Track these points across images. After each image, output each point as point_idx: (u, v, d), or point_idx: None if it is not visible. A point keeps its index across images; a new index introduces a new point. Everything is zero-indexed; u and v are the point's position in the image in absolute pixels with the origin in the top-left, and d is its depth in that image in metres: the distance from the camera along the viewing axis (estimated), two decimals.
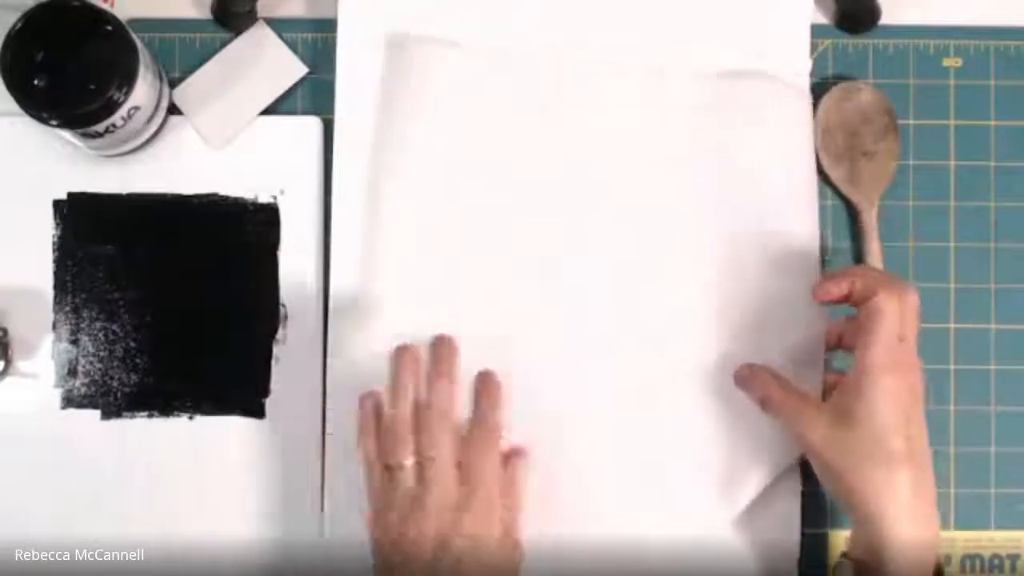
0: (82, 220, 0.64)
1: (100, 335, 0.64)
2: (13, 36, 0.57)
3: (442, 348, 0.59)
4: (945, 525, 0.64)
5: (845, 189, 0.65)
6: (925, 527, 0.55)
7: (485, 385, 0.59)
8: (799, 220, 0.63)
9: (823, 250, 0.65)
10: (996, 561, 0.65)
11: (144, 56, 0.59)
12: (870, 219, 0.64)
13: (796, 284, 0.62)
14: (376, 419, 0.58)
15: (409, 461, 0.56)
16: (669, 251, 0.63)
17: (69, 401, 0.64)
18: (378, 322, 0.63)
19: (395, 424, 0.57)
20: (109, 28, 0.58)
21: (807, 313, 0.61)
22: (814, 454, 0.57)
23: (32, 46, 0.57)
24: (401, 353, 0.59)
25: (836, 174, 0.65)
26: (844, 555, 0.57)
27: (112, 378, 0.64)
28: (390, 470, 0.56)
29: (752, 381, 0.60)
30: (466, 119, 0.63)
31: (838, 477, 0.56)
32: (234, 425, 0.63)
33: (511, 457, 0.59)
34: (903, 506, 0.54)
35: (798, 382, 0.60)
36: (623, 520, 0.62)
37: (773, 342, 0.62)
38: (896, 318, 0.55)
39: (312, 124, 0.65)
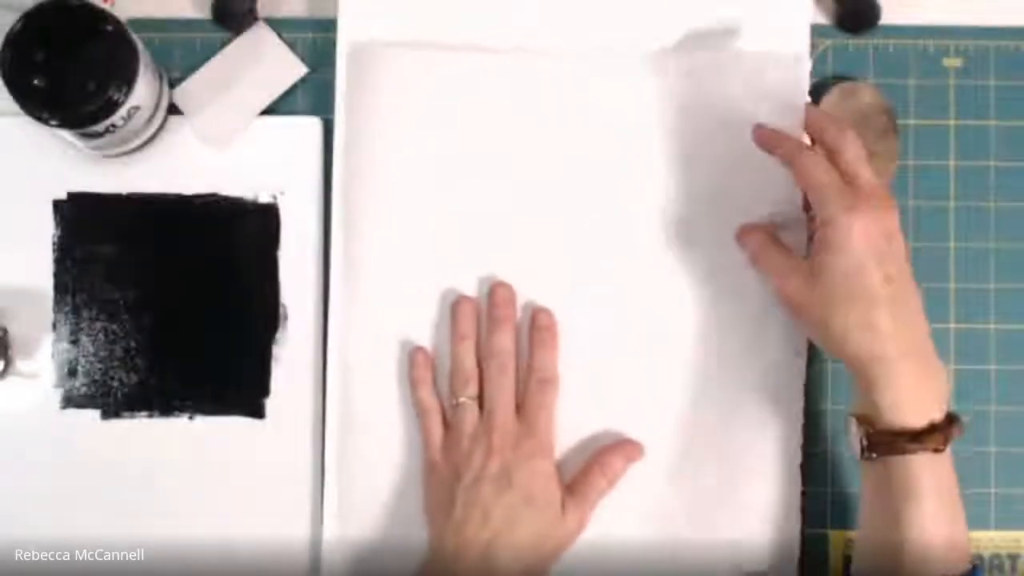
0: (82, 220, 0.64)
1: (100, 335, 0.64)
2: (13, 36, 0.57)
3: (500, 295, 0.62)
4: None
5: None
6: (921, 365, 0.55)
7: (541, 331, 0.62)
8: (789, 211, 0.63)
9: None
10: (996, 561, 0.65)
11: (144, 56, 0.59)
12: None
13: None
14: (427, 370, 0.62)
15: (472, 401, 0.60)
16: (662, 248, 0.63)
17: (69, 401, 0.64)
18: (378, 321, 0.63)
19: (460, 368, 0.61)
20: (109, 28, 0.58)
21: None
22: (796, 308, 0.57)
23: (32, 46, 0.57)
24: (461, 302, 0.62)
25: None
26: (851, 415, 0.57)
27: (112, 378, 0.64)
28: (454, 409, 0.61)
29: (746, 237, 0.61)
30: (464, 119, 0.63)
31: (823, 326, 0.56)
32: (234, 425, 0.63)
33: None
34: (891, 342, 0.54)
35: (786, 376, 0.61)
36: (621, 519, 0.62)
37: (761, 339, 0.62)
38: (819, 166, 0.56)
39: (312, 124, 0.65)
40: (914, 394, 0.54)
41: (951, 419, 0.55)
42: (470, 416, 0.60)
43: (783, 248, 0.60)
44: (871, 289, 0.54)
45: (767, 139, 0.60)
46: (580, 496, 0.60)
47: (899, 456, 0.54)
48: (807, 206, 0.61)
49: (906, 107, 0.66)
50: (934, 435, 0.54)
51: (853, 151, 0.57)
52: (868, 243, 0.54)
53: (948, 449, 0.54)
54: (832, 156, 0.57)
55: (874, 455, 0.55)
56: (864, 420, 0.55)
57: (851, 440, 0.57)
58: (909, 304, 0.55)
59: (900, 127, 0.65)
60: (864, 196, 0.55)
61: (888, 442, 0.54)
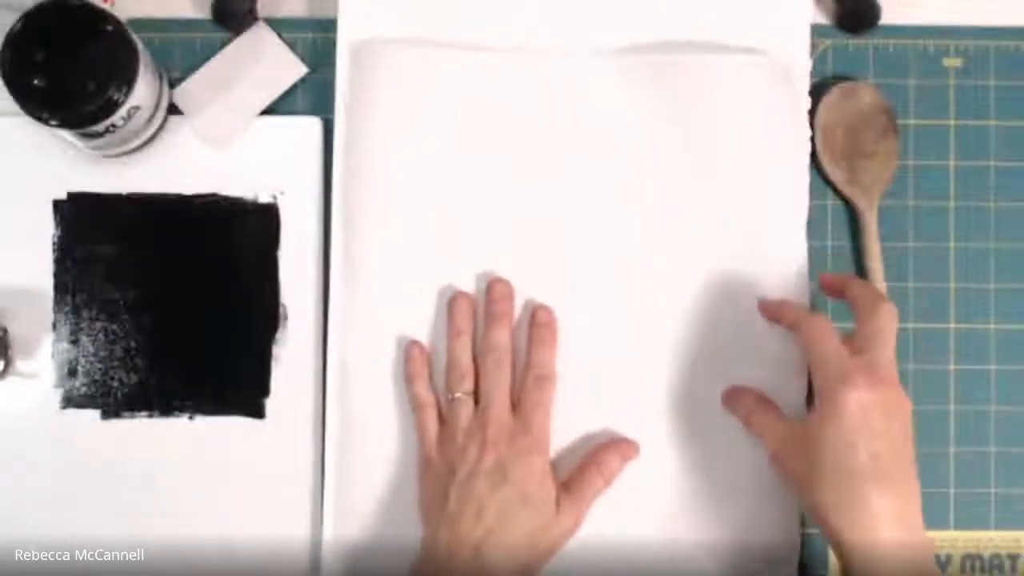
0: (82, 220, 0.64)
1: (100, 335, 0.64)
2: (13, 36, 0.57)
3: (498, 291, 0.62)
4: (945, 525, 0.64)
5: (845, 189, 0.65)
6: (896, 550, 0.53)
7: (540, 328, 0.62)
8: (789, 212, 0.64)
9: (823, 250, 0.65)
10: (996, 561, 0.65)
11: (144, 56, 0.59)
12: (870, 219, 0.64)
13: (783, 284, 0.63)
14: (423, 365, 0.62)
15: (468, 397, 0.60)
16: (661, 247, 0.63)
17: (69, 401, 0.64)
18: (377, 321, 0.63)
19: (455, 363, 0.61)
20: (109, 28, 0.58)
21: (787, 298, 0.63)
22: (787, 473, 0.57)
23: (32, 46, 0.57)
24: (458, 298, 0.62)
25: (836, 175, 0.65)
26: None
27: (112, 378, 0.64)
28: (450, 404, 0.61)
29: (736, 400, 0.61)
30: (464, 118, 0.63)
31: (802, 492, 0.55)
32: (234, 425, 0.63)
33: None
34: (868, 527, 0.52)
35: (783, 378, 0.61)
36: (618, 519, 0.62)
37: (758, 339, 0.62)
38: (825, 334, 0.56)
39: (312, 124, 0.65)
40: (882, 560, 0.52)
41: None
42: (465, 411, 0.60)
43: (774, 409, 0.60)
44: (857, 468, 0.53)
45: (771, 310, 0.61)
46: (576, 494, 0.60)
47: None
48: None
49: (906, 107, 0.66)
50: None
51: (874, 326, 0.56)
52: (863, 420, 0.53)
53: None
54: (856, 322, 0.57)
55: None
56: None
57: None
58: (896, 482, 0.53)
59: (900, 127, 0.65)
60: (866, 371, 0.54)
61: None
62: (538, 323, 0.62)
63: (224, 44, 0.65)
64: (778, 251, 0.63)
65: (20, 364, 0.64)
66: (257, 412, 0.63)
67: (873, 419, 0.53)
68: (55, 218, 0.64)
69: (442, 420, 0.62)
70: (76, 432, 0.63)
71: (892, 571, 0.52)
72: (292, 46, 0.65)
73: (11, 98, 0.57)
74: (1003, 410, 0.65)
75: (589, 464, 0.61)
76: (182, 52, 0.65)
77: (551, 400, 0.61)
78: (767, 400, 0.60)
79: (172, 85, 0.64)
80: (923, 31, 0.66)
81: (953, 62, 0.66)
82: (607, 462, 0.61)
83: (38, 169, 0.64)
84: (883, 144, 0.65)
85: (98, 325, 0.64)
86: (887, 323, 0.56)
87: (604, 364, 0.63)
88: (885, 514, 0.52)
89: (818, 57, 0.66)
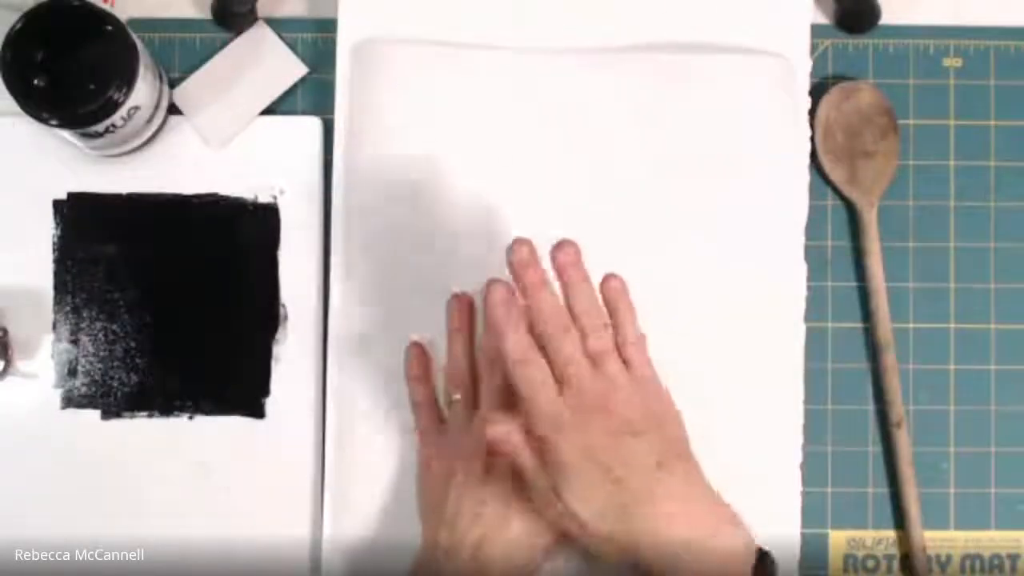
0: (82, 220, 0.64)
1: (100, 335, 0.64)
2: (13, 36, 0.57)
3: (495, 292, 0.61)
4: (945, 525, 0.64)
5: (845, 189, 0.65)
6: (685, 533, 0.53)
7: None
8: (788, 212, 0.64)
9: (823, 251, 0.65)
10: (996, 561, 0.65)
11: (144, 56, 0.59)
12: (870, 219, 0.64)
13: (781, 284, 0.63)
14: (423, 364, 0.62)
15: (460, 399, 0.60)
16: (661, 247, 0.63)
17: (69, 401, 0.64)
18: (377, 321, 0.63)
19: (454, 364, 0.61)
20: (109, 28, 0.58)
21: (785, 298, 0.63)
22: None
23: (32, 46, 0.57)
24: (456, 299, 0.62)
25: (836, 174, 0.65)
26: None
27: (112, 378, 0.64)
28: (449, 406, 0.61)
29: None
30: (463, 118, 0.63)
31: (591, 540, 0.54)
32: (234, 425, 0.63)
33: None
34: (655, 541, 0.52)
35: (777, 368, 0.62)
36: None
37: (757, 339, 0.62)
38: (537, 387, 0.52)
39: (312, 124, 0.65)
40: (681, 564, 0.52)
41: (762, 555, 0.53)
42: (464, 413, 0.60)
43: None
44: (611, 500, 0.52)
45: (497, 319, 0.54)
46: None
47: None
48: None
49: (906, 107, 0.66)
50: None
51: (568, 350, 0.53)
52: (589, 458, 0.52)
53: None
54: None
55: None
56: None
57: None
58: (661, 488, 0.53)
59: (900, 127, 0.65)
60: (573, 405, 0.52)
61: None
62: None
63: (224, 44, 0.65)
64: (777, 251, 0.63)
65: (20, 364, 0.64)
66: (257, 412, 0.63)
67: (599, 454, 0.52)
68: (55, 218, 0.64)
69: (442, 420, 0.62)
70: (76, 432, 0.63)
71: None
72: (292, 46, 0.65)
73: (11, 98, 0.57)
74: (1003, 410, 0.65)
75: None
76: (182, 52, 0.65)
77: None
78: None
79: (172, 85, 0.64)
80: (923, 31, 0.66)
81: (953, 62, 0.66)
82: None
83: (38, 169, 0.64)
84: (883, 144, 0.65)
85: (98, 325, 0.64)
86: (573, 340, 0.53)
87: None
88: (663, 527, 0.52)
89: (818, 57, 0.66)
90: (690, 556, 0.52)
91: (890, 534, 0.65)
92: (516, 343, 0.52)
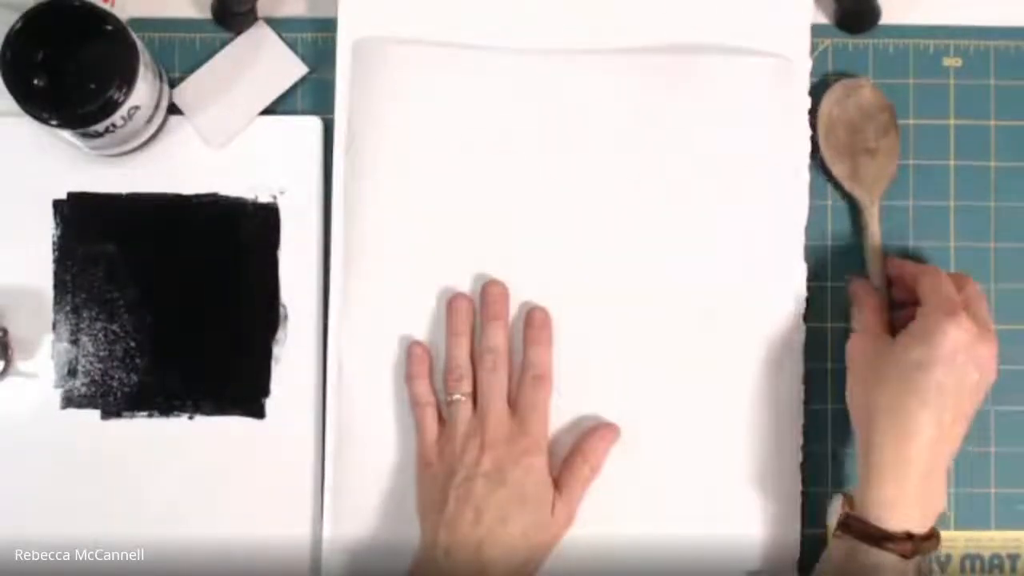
0: (82, 220, 0.64)
1: (100, 335, 0.64)
2: (13, 36, 0.57)
3: (493, 293, 0.62)
4: (945, 525, 0.64)
5: (847, 185, 0.65)
6: (927, 481, 0.56)
7: (535, 329, 0.62)
8: (788, 212, 0.64)
9: (823, 250, 0.65)
10: (996, 561, 0.65)
11: (144, 56, 0.59)
12: (872, 216, 0.64)
13: (781, 284, 0.63)
14: (424, 365, 0.62)
15: (466, 398, 0.61)
16: (660, 247, 0.63)
17: (69, 401, 0.64)
18: (377, 321, 0.63)
19: (454, 365, 0.61)
20: (109, 28, 0.58)
21: (785, 297, 0.63)
22: (854, 368, 0.60)
23: (32, 46, 0.57)
24: (456, 299, 0.62)
25: (839, 170, 0.65)
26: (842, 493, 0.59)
27: (112, 378, 0.64)
28: (449, 406, 0.61)
29: (858, 289, 0.63)
30: (463, 117, 0.63)
31: (856, 388, 0.59)
32: (234, 425, 0.63)
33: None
34: (912, 447, 0.55)
35: (777, 368, 0.62)
36: (618, 518, 0.62)
37: (756, 339, 0.62)
38: (944, 284, 0.58)
39: (312, 124, 0.65)
40: (906, 503, 0.55)
41: (930, 535, 0.56)
42: (463, 413, 0.60)
43: (883, 313, 0.61)
44: (928, 392, 0.55)
45: (898, 267, 0.63)
46: (566, 489, 0.60)
47: (866, 546, 0.55)
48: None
49: (906, 107, 0.66)
50: (906, 544, 0.55)
51: (973, 292, 0.59)
52: (952, 353, 0.56)
53: (915, 559, 0.55)
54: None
55: (845, 535, 0.56)
56: (850, 501, 0.57)
57: (830, 513, 0.59)
58: (949, 425, 0.56)
59: (900, 126, 0.65)
60: (974, 319, 0.57)
61: (860, 530, 0.55)
62: (533, 324, 0.62)
63: (224, 44, 0.65)
64: (777, 251, 0.63)
65: (20, 364, 0.64)
66: (257, 412, 0.63)
67: (959, 358, 0.55)
68: (55, 218, 0.64)
69: (442, 421, 0.62)
70: (76, 432, 0.63)
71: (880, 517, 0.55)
72: (292, 46, 0.65)
73: (11, 98, 0.57)
74: (1003, 410, 0.65)
75: (574, 457, 0.61)
76: (182, 52, 0.65)
77: (548, 400, 0.61)
78: (881, 300, 0.62)
79: (172, 85, 0.64)
80: (923, 31, 0.66)
81: (953, 62, 0.66)
82: (591, 451, 0.61)
83: (38, 169, 0.64)
84: (884, 141, 0.65)
85: (98, 325, 0.64)
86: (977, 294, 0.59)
87: (602, 363, 0.63)
88: (919, 444, 0.55)
89: (818, 57, 0.66)
90: None
91: None
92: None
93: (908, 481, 0.55)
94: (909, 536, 0.55)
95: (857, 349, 0.60)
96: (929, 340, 0.56)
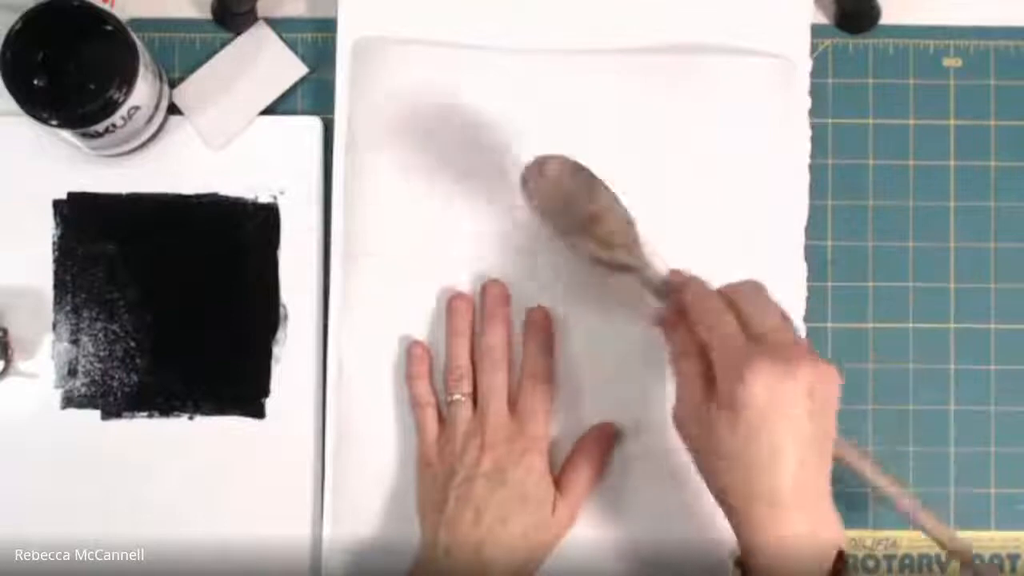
0: (82, 220, 0.64)
1: (100, 335, 0.64)
2: (13, 36, 0.57)
3: (493, 292, 0.62)
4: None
5: (607, 257, 0.57)
6: (809, 521, 0.50)
7: (535, 329, 0.62)
8: (788, 212, 0.64)
9: (823, 250, 0.65)
10: (996, 561, 0.65)
11: (144, 56, 0.59)
12: (644, 266, 0.57)
13: (781, 285, 0.62)
14: (425, 365, 0.62)
15: (466, 398, 0.60)
16: (660, 247, 0.63)
17: (69, 401, 0.64)
18: (377, 321, 0.63)
19: (454, 365, 0.61)
20: (109, 28, 0.58)
21: (785, 297, 0.62)
22: (680, 428, 0.53)
23: (32, 46, 0.57)
24: (456, 299, 0.62)
25: (586, 248, 0.57)
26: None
27: (112, 378, 0.64)
28: (449, 406, 0.61)
29: (671, 329, 0.55)
30: (463, 117, 0.63)
31: (698, 463, 0.53)
32: (234, 425, 0.63)
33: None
34: (775, 500, 0.49)
35: None
36: (618, 518, 0.62)
37: None
38: (721, 318, 0.51)
39: (312, 124, 0.65)
40: (794, 557, 0.50)
41: (834, 572, 0.50)
42: (464, 413, 0.60)
43: (703, 362, 0.52)
44: (765, 465, 0.49)
45: (677, 276, 0.56)
46: (568, 490, 0.60)
47: None
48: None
49: (906, 107, 0.66)
50: None
51: (748, 302, 0.52)
52: (768, 412, 0.49)
53: None
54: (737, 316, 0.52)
55: None
56: (738, 563, 0.52)
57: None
58: (810, 466, 0.50)
59: (900, 126, 0.65)
60: (771, 351, 0.49)
61: None
62: (534, 323, 0.62)
63: (224, 44, 0.65)
64: (777, 251, 0.63)
65: (20, 364, 0.64)
66: (257, 412, 0.63)
67: (777, 412, 0.49)
68: (55, 218, 0.64)
69: (442, 421, 0.62)
70: (76, 432, 0.63)
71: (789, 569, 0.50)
72: (292, 46, 0.65)
73: (11, 98, 0.57)
74: (1003, 410, 0.65)
75: (576, 457, 0.61)
76: (182, 52, 0.65)
77: (548, 400, 0.61)
78: (703, 367, 0.52)
79: (172, 85, 0.64)
80: (923, 31, 0.66)
81: (953, 62, 0.66)
82: (593, 451, 0.61)
83: (38, 169, 0.64)
84: (602, 200, 0.57)
85: (98, 325, 0.64)
86: (761, 295, 0.52)
87: (603, 363, 0.63)
88: (783, 507, 0.49)
89: (818, 57, 0.66)
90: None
91: (890, 534, 0.65)
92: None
93: (784, 535, 0.50)
94: None
95: (683, 432, 0.53)
96: (738, 411, 0.49)
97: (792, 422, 0.49)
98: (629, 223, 0.57)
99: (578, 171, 0.57)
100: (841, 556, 0.50)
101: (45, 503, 0.63)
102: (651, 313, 0.57)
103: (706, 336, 0.51)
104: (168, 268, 0.64)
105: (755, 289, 0.53)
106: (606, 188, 0.57)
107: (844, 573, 0.50)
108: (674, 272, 0.56)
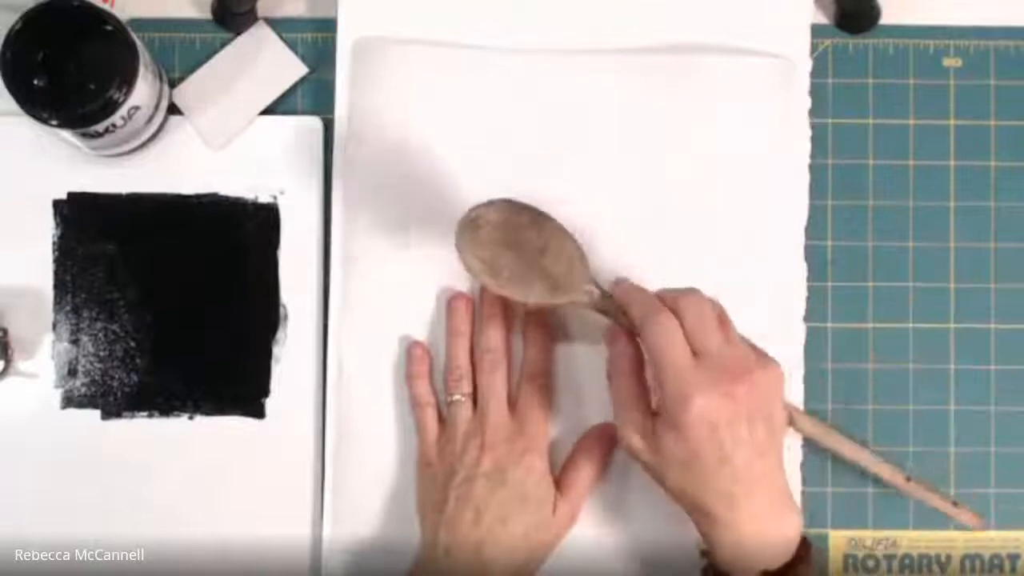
0: (82, 220, 0.64)
1: (100, 335, 0.64)
2: (13, 36, 0.57)
3: (492, 292, 0.61)
4: (945, 525, 0.64)
5: (567, 298, 0.57)
6: (761, 524, 0.53)
7: (534, 329, 0.62)
8: (788, 212, 0.64)
9: (823, 250, 0.65)
10: (996, 561, 0.65)
11: (144, 56, 0.59)
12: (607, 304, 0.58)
13: (781, 284, 0.63)
14: (424, 365, 0.62)
15: (466, 398, 0.61)
16: (659, 248, 0.63)
17: (69, 401, 0.64)
18: (377, 321, 0.63)
19: (453, 365, 0.61)
20: (109, 28, 0.58)
21: (785, 297, 0.63)
22: (633, 456, 0.55)
23: (32, 46, 0.57)
24: (456, 299, 0.62)
25: (540, 293, 0.57)
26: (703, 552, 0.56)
27: (112, 378, 0.64)
28: (449, 406, 0.61)
29: (614, 346, 0.57)
30: (463, 117, 0.63)
31: (660, 480, 0.55)
32: (234, 425, 0.63)
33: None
34: (727, 516, 0.53)
35: (791, 360, 0.61)
36: (618, 517, 0.62)
37: (755, 339, 0.62)
38: (671, 339, 0.52)
39: (312, 124, 0.65)
40: (750, 552, 0.53)
41: (795, 561, 0.53)
42: (464, 413, 0.60)
43: (643, 399, 0.55)
44: (716, 475, 0.52)
45: (621, 293, 0.57)
46: (568, 490, 0.60)
47: None
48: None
49: (906, 107, 0.66)
50: None
51: (692, 317, 0.53)
52: (712, 427, 0.51)
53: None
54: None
55: None
56: (704, 552, 0.56)
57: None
58: (759, 469, 0.52)
59: (900, 126, 0.65)
60: (714, 372, 0.52)
61: None
62: (533, 323, 0.62)
63: (224, 44, 0.65)
64: (777, 251, 0.63)
65: (20, 364, 0.64)
66: (257, 412, 0.63)
67: (720, 426, 0.51)
68: (55, 218, 0.64)
69: (442, 421, 0.62)
70: (76, 432, 0.63)
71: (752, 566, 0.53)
72: (292, 46, 0.65)
73: (11, 98, 0.57)
74: (1003, 410, 0.65)
75: (577, 456, 0.61)
76: (182, 52, 0.65)
77: (548, 399, 0.61)
78: (640, 386, 0.56)
79: (172, 85, 0.64)
80: (923, 31, 0.66)
81: (953, 62, 0.66)
82: (594, 451, 0.61)
83: (38, 169, 0.64)
84: (544, 229, 0.58)
85: (98, 325, 0.64)
86: (701, 309, 0.53)
87: (602, 363, 0.63)
88: (737, 508, 0.52)
89: (818, 57, 0.66)
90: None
91: (890, 534, 0.65)
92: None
93: (741, 534, 0.53)
94: (767, 573, 0.53)
95: (629, 446, 0.55)
96: (683, 430, 0.51)
97: (736, 434, 0.52)
98: (581, 258, 0.58)
99: (523, 208, 0.58)
100: (804, 542, 0.54)
101: (45, 503, 0.63)
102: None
103: (655, 356, 0.53)
104: (168, 268, 0.64)
105: (697, 302, 0.54)
106: (554, 221, 0.58)
107: (807, 559, 0.53)
108: (618, 284, 0.58)
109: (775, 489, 0.54)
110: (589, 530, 0.62)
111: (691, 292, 0.54)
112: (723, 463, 0.52)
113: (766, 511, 0.53)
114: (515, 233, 0.57)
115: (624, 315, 0.56)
